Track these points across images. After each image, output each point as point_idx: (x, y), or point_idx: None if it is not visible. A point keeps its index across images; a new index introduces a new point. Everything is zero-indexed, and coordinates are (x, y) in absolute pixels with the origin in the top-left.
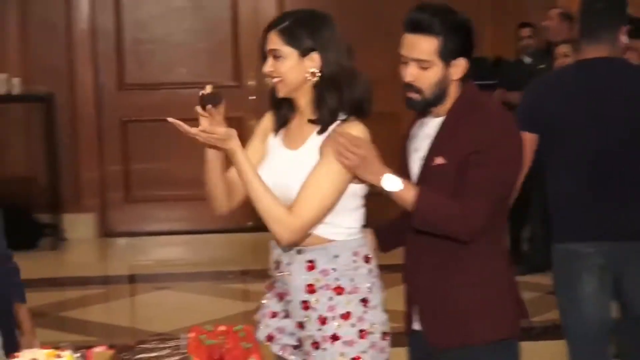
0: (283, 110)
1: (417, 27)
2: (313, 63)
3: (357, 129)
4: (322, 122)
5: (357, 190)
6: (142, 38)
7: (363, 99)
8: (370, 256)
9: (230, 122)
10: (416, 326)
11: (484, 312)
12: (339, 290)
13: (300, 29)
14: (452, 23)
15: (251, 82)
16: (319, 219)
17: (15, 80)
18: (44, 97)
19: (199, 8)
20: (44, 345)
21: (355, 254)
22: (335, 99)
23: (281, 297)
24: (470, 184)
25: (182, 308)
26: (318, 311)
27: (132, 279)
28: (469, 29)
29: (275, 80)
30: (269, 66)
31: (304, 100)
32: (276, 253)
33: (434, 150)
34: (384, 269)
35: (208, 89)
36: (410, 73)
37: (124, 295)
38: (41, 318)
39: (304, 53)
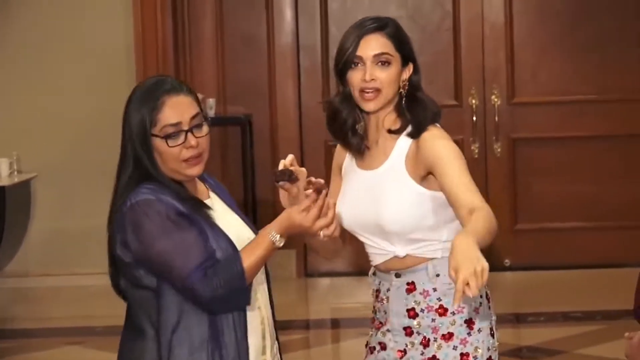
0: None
1: None
2: (408, 72)
3: (441, 133)
4: (415, 130)
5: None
6: None
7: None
8: None
9: None
10: None
11: None
12: (442, 311)
13: (404, 36)
14: None
15: (473, 101)
16: None
17: (211, 102)
18: (241, 119)
19: (415, 17)
20: None
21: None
22: (423, 107)
23: (379, 327)
24: None
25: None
26: (421, 335)
27: (335, 323)
28: None
29: (369, 93)
30: (369, 75)
31: (385, 112)
32: (375, 281)
33: None
34: None
35: (281, 165)
36: None
37: (326, 342)
38: None
39: (405, 61)
